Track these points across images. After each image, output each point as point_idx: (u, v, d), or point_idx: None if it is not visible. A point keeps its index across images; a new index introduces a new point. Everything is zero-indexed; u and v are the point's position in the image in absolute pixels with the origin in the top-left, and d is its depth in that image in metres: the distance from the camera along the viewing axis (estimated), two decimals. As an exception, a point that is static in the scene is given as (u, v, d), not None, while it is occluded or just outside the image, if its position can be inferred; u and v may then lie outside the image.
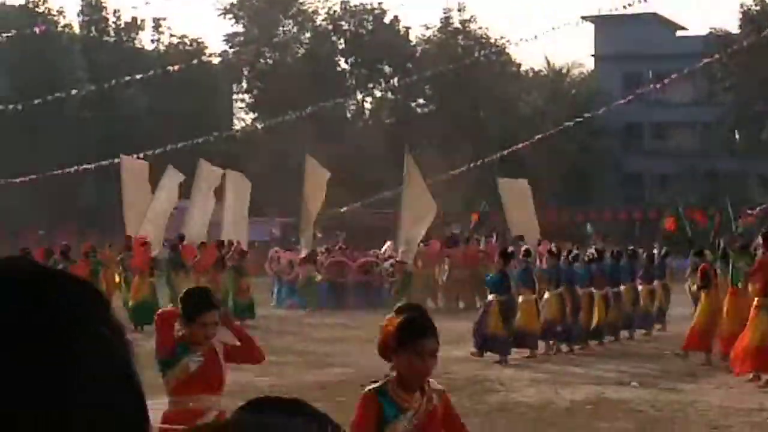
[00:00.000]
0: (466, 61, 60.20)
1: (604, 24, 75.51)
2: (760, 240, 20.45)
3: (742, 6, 68.22)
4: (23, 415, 1.21)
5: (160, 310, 8.64)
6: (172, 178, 36.49)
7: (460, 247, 37.04)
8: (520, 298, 23.07)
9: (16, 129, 61.57)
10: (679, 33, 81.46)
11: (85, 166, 41.40)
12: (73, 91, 52.06)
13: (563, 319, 23.55)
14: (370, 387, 6.11)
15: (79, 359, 1.26)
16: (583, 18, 72.75)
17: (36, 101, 47.34)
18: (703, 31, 71.63)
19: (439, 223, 55.22)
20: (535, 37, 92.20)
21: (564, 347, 23.79)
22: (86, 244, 33.38)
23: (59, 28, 71.50)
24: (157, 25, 76.29)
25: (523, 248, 25.80)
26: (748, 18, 67.17)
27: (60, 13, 73.06)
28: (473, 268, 35.01)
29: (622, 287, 26.10)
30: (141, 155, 44.73)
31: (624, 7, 49.42)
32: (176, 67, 51.52)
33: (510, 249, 25.32)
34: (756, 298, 19.02)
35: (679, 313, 27.29)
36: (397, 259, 36.10)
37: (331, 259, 37.22)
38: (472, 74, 66.92)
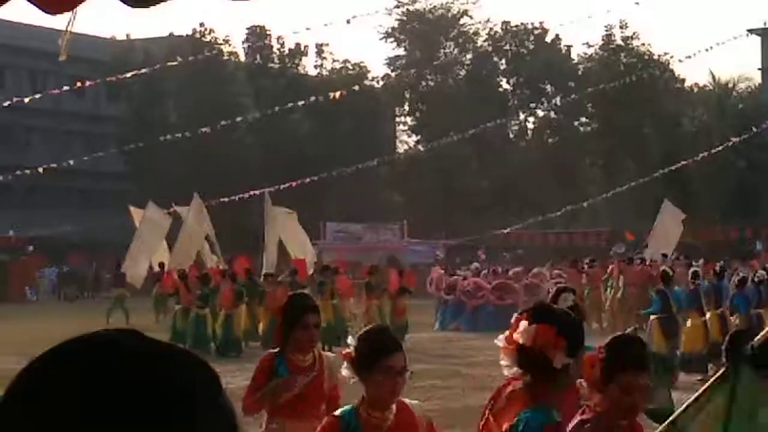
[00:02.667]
0: (629, 79, 59.47)
1: (771, 36, 73.94)
2: None
3: None
4: None
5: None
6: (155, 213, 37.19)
7: (635, 266, 36.13)
8: (688, 322, 22.71)
9: (184, 156, 63.03)
10: None
11: (252, 192, 42.08)
12: (238, 119, 53.02)
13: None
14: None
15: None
16: (750, 31, 71.39)
17: (202, 129, 48.31)
18: None
19: (603, 244, 54.85)
20: (705, 50, 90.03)
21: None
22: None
23: (225, 57, 73.02)
24: (319, 50, 77.28)
25: (691, 270, 25.35)
26: None
27: (226, 41, 74.60)
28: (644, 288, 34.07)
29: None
30: (307, 180, 45.49)
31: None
32: (338, 93, 52.19)
33: (669, 270, 24.86)
34: None
35: None
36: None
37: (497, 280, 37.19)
38: (635, 91, 66.11)
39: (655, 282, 25.93)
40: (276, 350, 7.67)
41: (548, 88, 76.64)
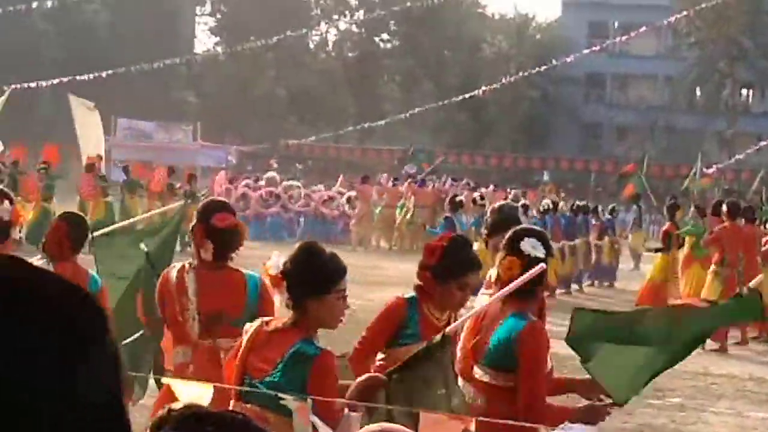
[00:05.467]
0: (433, 0, 59.64)
1: (573, -30, 75.04)
2: (724, 208, 19.94)
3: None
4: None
5: None
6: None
7: (427, 188, 35.83)
8: (475, 245, 23.01)
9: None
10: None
11: (40, 82, 40.80)
12: (34, 4, 51.22)
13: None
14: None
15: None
16: (553, -36, 72.34)
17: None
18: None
19: (395, 162, 55.19)
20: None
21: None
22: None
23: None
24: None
25: (477, 195, 25.72)
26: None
27: None
28: (434, 210, 33.79)
29: (577, 241, 25.79)
30: (102, 74, 44.19)
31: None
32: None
33: (459, 197, 25.06)
34: (713, 266, 18.81)
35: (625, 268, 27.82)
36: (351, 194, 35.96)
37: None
38: (438, 13, 66.41)
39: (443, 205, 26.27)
40: (409, 296, 6.21)
41: (352, 1, 76.37)
